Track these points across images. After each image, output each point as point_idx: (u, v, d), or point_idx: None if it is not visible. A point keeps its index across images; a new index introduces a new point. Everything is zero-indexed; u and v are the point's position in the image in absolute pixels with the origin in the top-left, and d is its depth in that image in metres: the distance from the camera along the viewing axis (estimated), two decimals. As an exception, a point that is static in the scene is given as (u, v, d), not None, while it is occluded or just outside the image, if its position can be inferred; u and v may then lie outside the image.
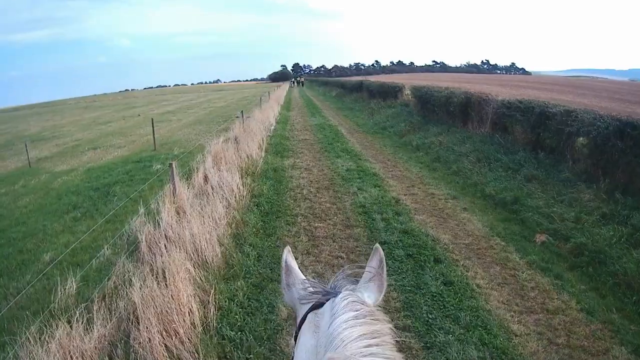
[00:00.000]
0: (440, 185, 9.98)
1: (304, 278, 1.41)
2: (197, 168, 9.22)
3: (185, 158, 11.51)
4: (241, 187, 8.70)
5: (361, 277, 1.35)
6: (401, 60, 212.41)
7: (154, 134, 17.09)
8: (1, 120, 56.32)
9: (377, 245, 1.41)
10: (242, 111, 16.28)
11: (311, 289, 1.32)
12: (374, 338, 1.02)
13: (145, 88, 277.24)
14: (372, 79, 37.61)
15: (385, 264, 1.37)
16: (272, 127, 18.51)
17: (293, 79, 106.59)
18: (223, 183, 8.22)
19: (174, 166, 6.82)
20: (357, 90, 35.21)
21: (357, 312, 1.09)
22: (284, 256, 1.46)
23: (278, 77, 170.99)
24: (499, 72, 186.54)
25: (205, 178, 8.63)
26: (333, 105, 33.80)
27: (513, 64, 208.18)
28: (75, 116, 49.65)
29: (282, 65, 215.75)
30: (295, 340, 1.29)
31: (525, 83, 32.93)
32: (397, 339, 1.07)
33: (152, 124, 17.11)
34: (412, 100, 21.19)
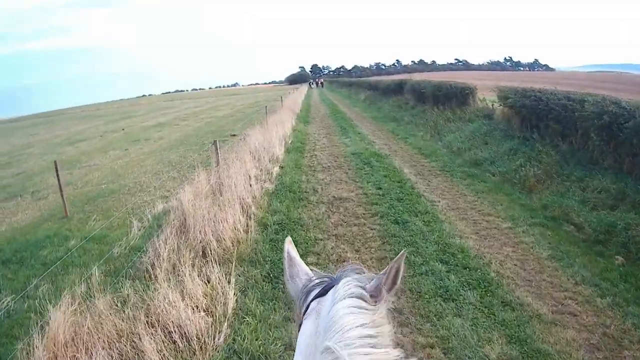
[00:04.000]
0: None
1: (308, 269, 1.38)
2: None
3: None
4: None
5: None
6: (422, 59, 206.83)
7: (61, 191, 8.95)
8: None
9: (404, 252, 1.19)
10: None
11: (316, 279, 1.29)
12: (373, 328, 1.01)
13: (163, 93, 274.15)
14: (418, 76, 28.93)
15: (402, 271, 1.16)
16: (275, 170, 10.28)
17: (311, 80, 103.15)
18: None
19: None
20: (396, 92, 26.83)
21: (358, 299, 1.08)
22: (286, 247, 1.42)
23: (296, 79, 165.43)
24: (522, 69, 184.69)
25: None
26: (367, 113, 25.38)
27: (536, 60, 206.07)
28: (62, 129, 42.87)
29: (300, 67, 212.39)
30: (299, 328, 1.25)
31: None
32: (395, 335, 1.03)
33: (56, 169, 8.85)
34: (500, 111, 13.12)
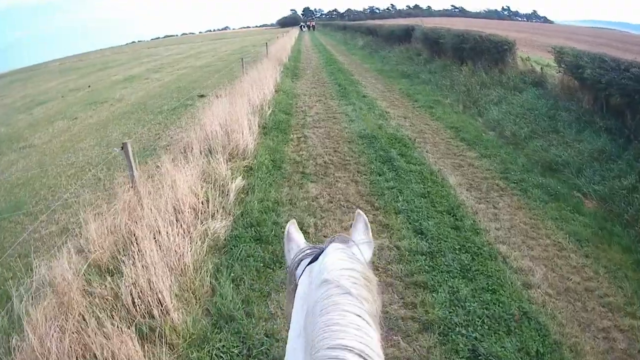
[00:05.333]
0: None
1: (303, 242, 1.48)
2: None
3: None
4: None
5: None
6: (418, 4, 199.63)
7: None
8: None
9: (359, 211, 1.53)
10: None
11: (307, 249, 1.38)
12: (362, 272, 1.13)
13: (152, 39, 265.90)
14: (428, 22, 24.00)
15: (369, 226, 1.46)
16: (233, 188, 5.80)
17: (302, 24, 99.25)
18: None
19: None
20: (402, 40, 22.53)
21: (345, 254, 1.19)
22: (287, 227, 1.54)
23: (287, 22, 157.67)
24: (519, 19, 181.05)
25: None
26: (368, 64, 21.04)
27: (534, 11, 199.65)
28: (34, 87, 38.45)
29: (291, 10, 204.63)
30: (292, 292, 1.32)
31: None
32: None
33: None
34: (559, 80, 9.78)
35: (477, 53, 13.68)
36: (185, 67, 29.87)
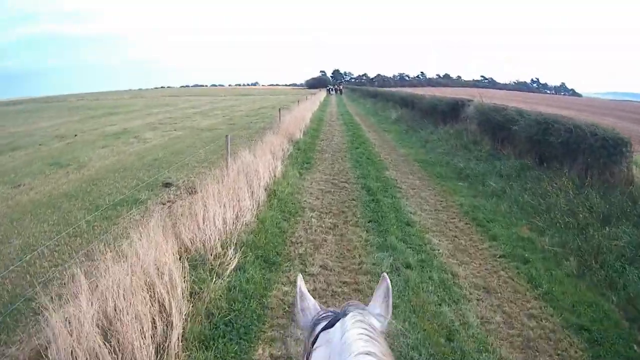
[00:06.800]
0: None
1: (317, 303, 1.49)
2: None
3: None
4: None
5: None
6: (448, 73, 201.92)
7: None
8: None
9: (384, 274, 1.51)
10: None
11: (323, 313, 1.39)
12: (380, 354, 1.12)
13: (182, 86, 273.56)
14: (449, 92, 19.28)
15: (391, 292, 1.45)
16: None
17: (330, 86, 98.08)
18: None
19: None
20: (447, 119, 18.12)
21: (365, 330, 1.19)
22: (298, 283, 1.52)
23: (316, 83, 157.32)
24: (548, 92, 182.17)
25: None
26: (405, 149, 16.02)
27: (563, 84, 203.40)
28: (30, 124, 35.94)
29: (321, 71, 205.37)
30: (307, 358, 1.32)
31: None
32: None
33: None
34: None
35: (570, 151, 9.06)
36: (186, 127, 25.73)
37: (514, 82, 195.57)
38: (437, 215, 8.15)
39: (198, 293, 4.59)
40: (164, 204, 8.73)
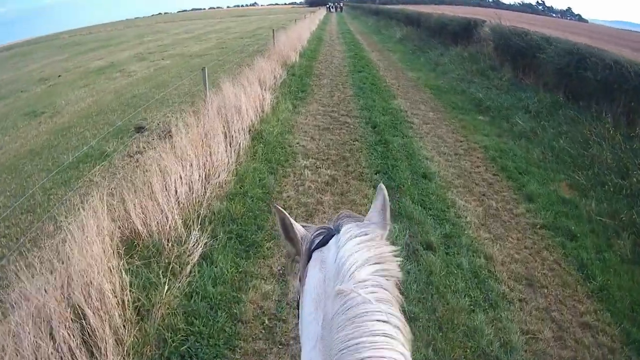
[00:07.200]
0: None
1: (301, 227, 1.32)
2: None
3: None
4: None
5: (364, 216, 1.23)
6: None
7: None
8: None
9: (381, 185, 1.30)
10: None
11: (315, 231, 1.23)
12: (378, 263, 0.99)
13: (179, 11, 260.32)
14: (454, 10, 16.64)
15: (388, 203, 1.24)
16: None
17: (330, 4, 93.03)
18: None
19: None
20: (458, 39, 16.33)
21: (361, 237, 1.06)
22: (278, 214, 1.34)
23: (315, 1, 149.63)
24: (553, 15, 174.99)
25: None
26: (415, 73, 14.13)
27: (569, 8, 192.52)
28: (20, 68, 33.17)
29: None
30: (300, 280, 1.23)
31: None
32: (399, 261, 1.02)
33: None
34: None
35: (609, 91, 7.53)
36: (175, 54, 23.72)
37: (519, 3, 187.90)
38: (459, 163, 6.74)
39: (147, 309, 3.32)
40: (131, 157, 7.38)
